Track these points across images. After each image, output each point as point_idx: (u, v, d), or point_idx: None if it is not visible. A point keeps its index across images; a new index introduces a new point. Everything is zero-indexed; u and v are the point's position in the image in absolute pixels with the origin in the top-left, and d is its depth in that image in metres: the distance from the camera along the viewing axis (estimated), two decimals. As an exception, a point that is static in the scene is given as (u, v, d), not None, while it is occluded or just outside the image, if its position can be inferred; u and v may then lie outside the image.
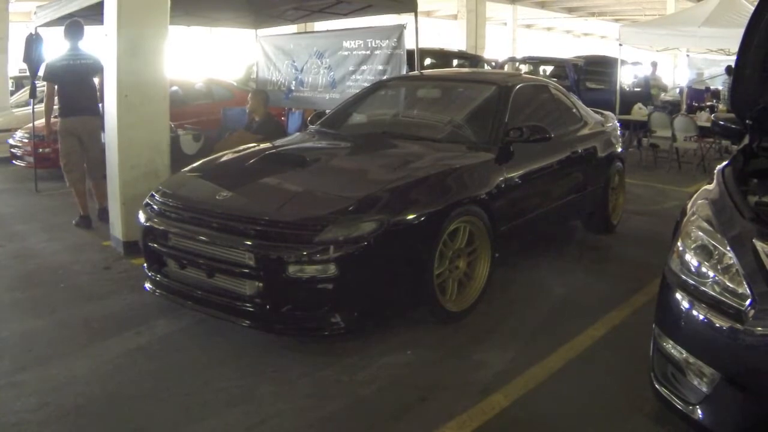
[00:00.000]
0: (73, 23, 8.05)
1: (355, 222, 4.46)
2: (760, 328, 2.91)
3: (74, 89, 7.82)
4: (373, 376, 4.36)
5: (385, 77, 8.93)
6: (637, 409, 3.95)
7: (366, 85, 8.61)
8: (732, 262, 3.14)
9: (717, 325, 3.07)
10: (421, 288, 4.82)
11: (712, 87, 18.42)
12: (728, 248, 3.19)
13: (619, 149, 7.94)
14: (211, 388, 4.19)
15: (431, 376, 4.37)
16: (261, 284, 4.50)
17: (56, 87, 7.86)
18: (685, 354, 3.23)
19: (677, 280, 3.36)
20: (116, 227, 6.90)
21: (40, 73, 9.48)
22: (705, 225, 3.41)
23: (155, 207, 5.16)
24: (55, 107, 8.02)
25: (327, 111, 7.29)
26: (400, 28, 9.23)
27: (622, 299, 5.72)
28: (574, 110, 7.33)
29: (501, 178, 5.56)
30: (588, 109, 7.82)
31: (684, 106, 16.78)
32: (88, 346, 4.77)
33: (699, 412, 3.18)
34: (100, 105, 7.69)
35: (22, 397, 4.04)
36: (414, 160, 5.41)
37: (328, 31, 11.33)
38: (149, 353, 4.69)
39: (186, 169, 5.84)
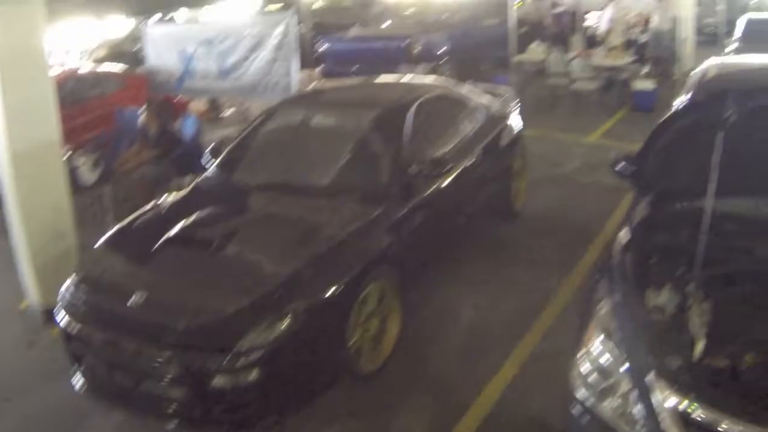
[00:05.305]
0: None
1: (272, 323, 4.44)
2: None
3: None
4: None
5: (275, 65, 9.20)
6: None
7: (257, 73, 9.25)
8: (627, 389, 3.18)
9: None
10: (339, 360, 4.88)
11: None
12: (623, 371, 3.24)
13: (517, 122, 8.02)
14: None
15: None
16: (188, 390, 4.48)
17: None
18: None
19: (577, 393, 3.38)
20: (32, 294, 6.59)
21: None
22: (605, 340, 3.40)
23: (73, 306, 5.01)
24: None
25: (223, 145, 6.97)
26: (288, 17, 9.18)
27: (530, 321, 5.82)
28: (470, 109, 7.31)
29: (405, 221, 5.58)
30: (484, 96, 7.88)
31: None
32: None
33: None
34: None
35: None
36: (316, 229, 5.24)
37: (217, 19, 11.05)
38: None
39: (98, 245, 5.55)
